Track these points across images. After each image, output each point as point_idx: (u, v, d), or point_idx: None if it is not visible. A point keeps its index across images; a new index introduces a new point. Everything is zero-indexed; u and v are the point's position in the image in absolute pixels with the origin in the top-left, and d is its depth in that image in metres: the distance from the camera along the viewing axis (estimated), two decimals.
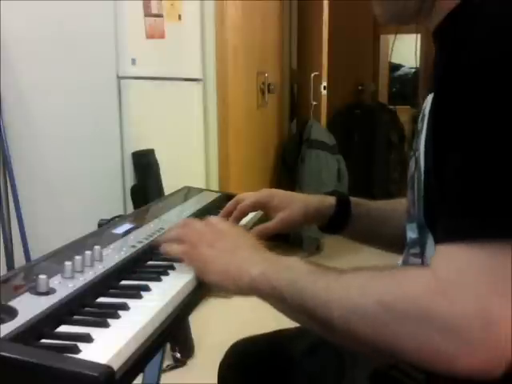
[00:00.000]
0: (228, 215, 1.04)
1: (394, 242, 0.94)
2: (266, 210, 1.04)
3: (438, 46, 0.73)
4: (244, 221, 1.05)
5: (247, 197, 1.03)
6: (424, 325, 0.54)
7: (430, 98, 0.70)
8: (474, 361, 0.52)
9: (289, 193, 1.06)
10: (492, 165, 0.54)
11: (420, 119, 0.74)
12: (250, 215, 1.07)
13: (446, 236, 0.57)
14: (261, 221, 1.07)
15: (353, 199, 1.05)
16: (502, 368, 0.53)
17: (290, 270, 0.69)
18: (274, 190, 1.05)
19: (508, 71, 0.55)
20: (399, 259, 0.85)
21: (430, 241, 0.71)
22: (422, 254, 0.74)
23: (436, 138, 0.64)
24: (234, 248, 0.78)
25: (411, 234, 0.79)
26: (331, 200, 1.03)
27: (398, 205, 0.97)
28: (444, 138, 0.61)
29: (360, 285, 0.61)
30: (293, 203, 1.01)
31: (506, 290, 0.52)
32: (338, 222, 1.03)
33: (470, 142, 0.56)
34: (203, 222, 0.86)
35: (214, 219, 0.88)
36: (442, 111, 0.62)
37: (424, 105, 0.74)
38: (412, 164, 0.78)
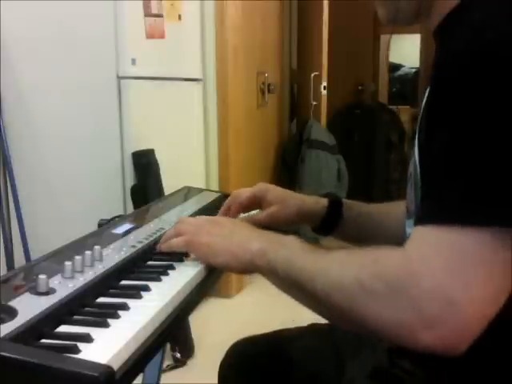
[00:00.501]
0: (227, 213, 1.04)
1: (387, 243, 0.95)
2: (261, 205, 1.04)
3: (438, 46, 0.74)
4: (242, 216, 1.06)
5: (243, 192, 1.04)
6: (391, 301, 0.58)
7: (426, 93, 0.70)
8: (434, 337, 0.55)
9: (284, 190, 1.07)
10: (468, 153, 0.56)
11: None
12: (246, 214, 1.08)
13: (419, 218, 0.61)
14: None
15: (346, 202, 1.05)
16: (464, 345, 0.56)
17: (285, 246, 0.73)
18: (270, 186, 1.06)
19: (498, 68, 0.56)
20: None
21: None
22: None
23: (427, 131, 0.65)
24: (232, 231, 0.82)
25: (409, 230, 0.79)
26: (324, 202, 1.04)
27: (393, 208, 0.98)
28: (430, 131, 0.63)
29: (341, 261, 0.66)
30: (286, 200, 1.02)
31: (469, 272, 0.55)
32: (330, 223, 1.04)
33: (451, 132, 0.58)
34: (196, 217, 0.92)
35: (204, 216, 0.94)
36: (434, 104, 0.63)
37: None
38: (412, 162, 0.78)
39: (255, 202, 1.05)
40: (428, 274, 0.56)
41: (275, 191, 1.04)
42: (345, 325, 0.69)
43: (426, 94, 0.69)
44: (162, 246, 0.86)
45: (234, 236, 0.80)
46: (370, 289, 0.59)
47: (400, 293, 0.57)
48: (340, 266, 0.65)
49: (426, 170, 0.64)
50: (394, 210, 0.98)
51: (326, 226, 1.04)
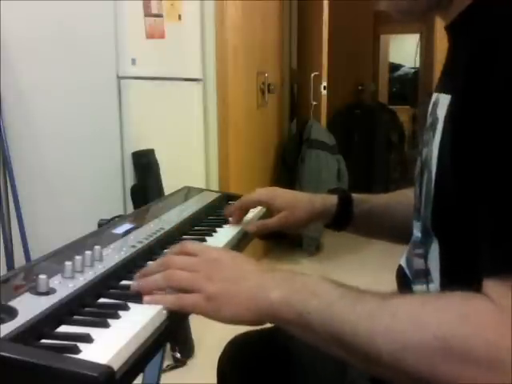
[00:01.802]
0: (238, 218, 1.05)
1: (398, 236, 0.95)
2: (269, 209, 1.05)
3: (454, 43, 0.72)
4: (248, 217, 1.07)
5: (251, 196, 1.05)
6: (498, 366, 0.49)
7: (443, 98, 0.68)
8: None
9: (293, 193, 1.07)
10: None
11: (430, 114, 0.72)
12: (252, 213, 1.08)
13: (501, 265, 0.52)
14: (263, 217, 1.08)
15: (355, 196, 1.05)
16: None
17: (319, 293, 0.61)
18: (280, 191, 1.06)
19: None
20: (401, 257, 0.85)
21: (434, 245, 0.70)
22: (425, 256, 0.74)
23: (461, 147, 0.60)
24: (238, 274, 0.67)
25: (416, 232, 0.79)
26: (333, 200, 1.04)
27: (403, 197, 0.97)
28: (474, 151, 0.57)
29: (411, 314, 0.55)
30: (296, 205, 1.02)
31: None
32: (341, 220, 1.04)
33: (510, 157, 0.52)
34: (179, 248, 0.73)
35: (190, 244, 0.75)
36: (470, 122, 0.58)
37: (434, 99, 0.72)
38: (419, 162, 0.77)
39: (262, 206, 1.07)
40: None
41: (284, 196, 1.04)
42: None
43: (443, 99, 0.66)
44: (147, 299, 0.67)
45: (242, 281, 0.66)
46: (463, 352, 0.50)
47: (506, 356, 0.49)
48: (412, 321, 0.54)
49: (480, 210, 0.55)
50: (404, 199, 0.96)
51: (338, 223, 1.05)
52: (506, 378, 0.49)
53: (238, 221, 1.05)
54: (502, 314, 0.50)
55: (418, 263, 0.77)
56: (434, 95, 0.73)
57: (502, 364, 0.49)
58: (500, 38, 0.57)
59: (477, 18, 0.64)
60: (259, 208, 1.10)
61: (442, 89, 0.70)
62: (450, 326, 0.52)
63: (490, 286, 0.53)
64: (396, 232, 0.98)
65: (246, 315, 0.64)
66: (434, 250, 0.70)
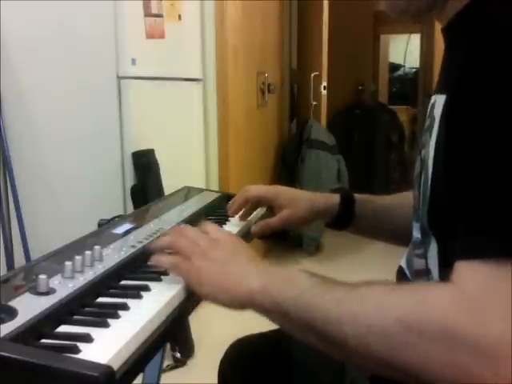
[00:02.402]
0: (238, 210, 1.06)
1: (399, 238, 0.95)
2: (271, 207, 1.06)
3: (450, 43, 0.72)
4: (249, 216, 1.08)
5: (254, 189, 1.06)
6: (450, 346, 0.51)
7: (439, 98, 0.68)
8: (499, 383, 0.50)
9: (295, 191, 1.08)
10: None
11: (428, 116, 0.73)
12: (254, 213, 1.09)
13: (468, 252, 0.54)
14: (264, 217, 1.08)
15: (358, 197, 1.06)
16: None
17: (294, 282, 0.64)
18: (282, 188, 1.07)
19: None
20: (402, 257, 0.85)
21: (433, 244, 0.71)
22: (425, 256, 0.74)
23: (451, 146, 0.61)
24: (229, 258, 0.73)
25: (416, 233, 0.79)
26: (335, 199, 1.04)
27: (405, 199, 0.97)
28: (462, 148, 0.58)
29: (376, 300, 0.57)
30: (297, 203, 1.03)
31: None
32: (342, 220, 1.04)
33: (496, 155, 0.53)
34: (198, 228, 0.82)
35: (209, 225, 0.82)
36: (460, 120, 0.59)
37: (432, 101, 0.72)
38: (418, 163, 0.77)
39: (263, 203, 1.07)
40: (492, 314, 0.50)
41: (286, 194, 1.04)
42: (378, 369, 0.59)
43: (440, 100, 0.66)
44: (153, 260, 0.77)
45: (231, 265, 0.71)
46: (420, 334, 0.52)
47: (458, 337, 0.50)
48: (376, 306, 0.56)
49: (459, 198, 0.57)
50: (407, 201, 0.96)
51: (339, 223, 1.05)
52: (464, 357, 0.50)
53: (244, 218, 1.06)
54: (460, 296, 0.52)
55: (419, 263, 0.77)
56: (433, 97, 0.73)
57: (458, 344, 0.50)
58: (494, 37, 0.57)
59: (472, 18, 0.64)
60: (259, 208, 1.11)
61: (439, 90, 0.70)
62: (410, 310, 0.54)
63: (457, 270, 0.54)
64: (397, 234, 0.98)
65: (225, 298, 0.70)
66: (433, 249, 0.71)
